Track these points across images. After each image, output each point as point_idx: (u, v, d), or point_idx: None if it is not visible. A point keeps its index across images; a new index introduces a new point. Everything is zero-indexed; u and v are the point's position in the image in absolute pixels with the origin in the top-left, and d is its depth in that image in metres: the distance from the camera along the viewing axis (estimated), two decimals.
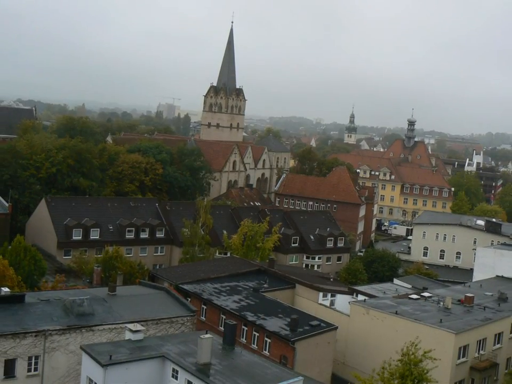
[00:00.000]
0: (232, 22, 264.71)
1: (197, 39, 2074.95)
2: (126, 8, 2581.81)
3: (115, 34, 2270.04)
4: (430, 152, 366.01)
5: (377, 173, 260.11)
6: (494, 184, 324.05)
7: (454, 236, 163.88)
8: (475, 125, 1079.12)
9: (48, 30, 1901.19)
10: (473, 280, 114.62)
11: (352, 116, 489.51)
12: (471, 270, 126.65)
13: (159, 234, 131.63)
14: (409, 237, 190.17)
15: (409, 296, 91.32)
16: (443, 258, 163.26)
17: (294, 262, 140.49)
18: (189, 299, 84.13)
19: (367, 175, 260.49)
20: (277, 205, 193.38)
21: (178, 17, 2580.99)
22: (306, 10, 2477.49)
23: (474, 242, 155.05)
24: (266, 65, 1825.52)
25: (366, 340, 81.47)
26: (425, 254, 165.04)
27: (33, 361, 61.96)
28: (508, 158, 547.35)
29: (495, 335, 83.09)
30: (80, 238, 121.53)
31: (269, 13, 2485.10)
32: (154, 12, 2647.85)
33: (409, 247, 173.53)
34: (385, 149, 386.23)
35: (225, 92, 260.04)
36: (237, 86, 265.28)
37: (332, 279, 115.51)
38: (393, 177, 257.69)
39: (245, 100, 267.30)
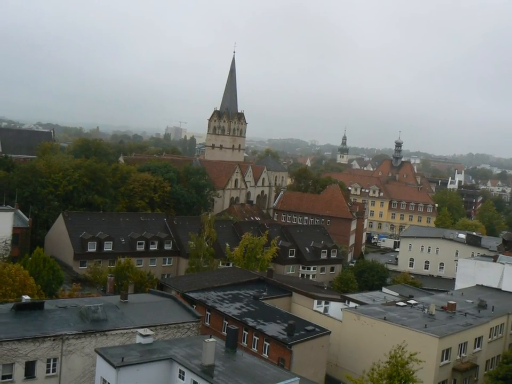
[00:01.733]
0: (234, 52, 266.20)
1: (201, 67, 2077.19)
2: (137, 39, 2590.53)
3: (126, 63, 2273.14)
4: (416, 171, 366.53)
5: (367, 190, 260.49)
6: (474, 201, 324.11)
7: (437, 248, 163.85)
8: (457, 146, 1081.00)
9: (65, 59, 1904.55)
10: (455, 288, 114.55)
11: (344, 138, 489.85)
12: (453, 279, 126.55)
13: (167, 247, 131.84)
14: (396, 249, 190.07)
15: (396, 303, 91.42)
16: (427, 269, 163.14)
17: (291, 272, 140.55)
18: (195, 306, 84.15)
19: (358, 192, 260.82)
20: (275, 219, 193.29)
21: (184, 47, 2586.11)
22: (302, 41, 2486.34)
23: (456, 254, 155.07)
24: (266, 91, 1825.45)
25: (357, 344, 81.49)
26: (411, 265, 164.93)
27: (51, 363, 62.05)
28: (487, 177, 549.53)
29: (475, 339, 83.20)
30: (95, 250, 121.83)
31: (268, 43, 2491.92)
32: (162, 42, 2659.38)
33: (397, 258, 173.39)
34: (375, 168, 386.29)
35: (228, 115, 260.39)
36: (239, 110, 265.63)
37: (325, 288, 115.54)
38: (381, 194, 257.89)
39: (246, 123, 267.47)
